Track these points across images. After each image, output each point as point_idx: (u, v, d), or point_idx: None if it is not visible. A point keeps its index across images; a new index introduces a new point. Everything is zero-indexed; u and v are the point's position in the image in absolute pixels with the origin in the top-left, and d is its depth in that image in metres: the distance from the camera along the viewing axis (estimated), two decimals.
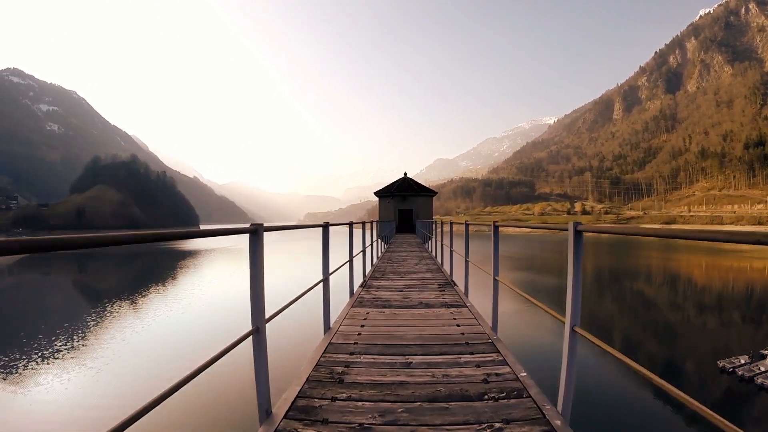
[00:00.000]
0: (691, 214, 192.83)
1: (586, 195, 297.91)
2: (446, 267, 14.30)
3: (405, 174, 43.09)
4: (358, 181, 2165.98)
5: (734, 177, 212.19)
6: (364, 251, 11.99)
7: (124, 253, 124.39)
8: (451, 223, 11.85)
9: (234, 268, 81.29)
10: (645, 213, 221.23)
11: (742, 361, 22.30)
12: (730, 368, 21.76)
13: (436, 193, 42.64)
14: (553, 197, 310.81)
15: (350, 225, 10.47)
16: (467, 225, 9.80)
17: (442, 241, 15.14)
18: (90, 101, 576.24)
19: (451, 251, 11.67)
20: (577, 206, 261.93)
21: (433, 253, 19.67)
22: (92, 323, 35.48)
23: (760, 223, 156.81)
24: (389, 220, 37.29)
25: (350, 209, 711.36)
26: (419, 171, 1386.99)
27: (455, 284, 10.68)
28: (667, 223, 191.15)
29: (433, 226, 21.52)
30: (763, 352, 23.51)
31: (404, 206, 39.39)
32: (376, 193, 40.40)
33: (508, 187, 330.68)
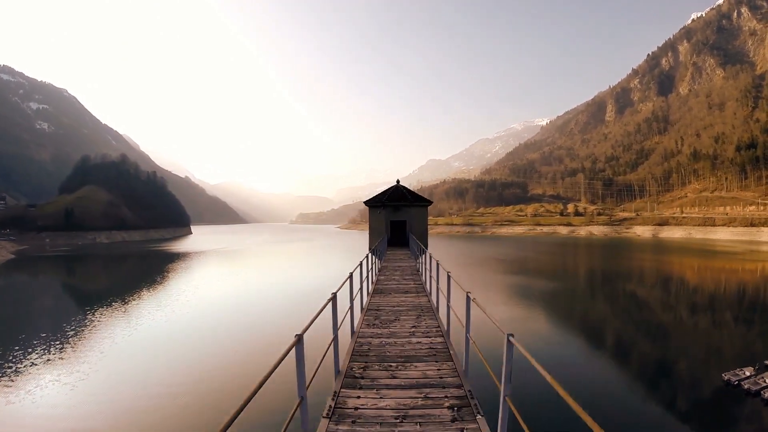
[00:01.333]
0: (684, 215, 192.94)
1: (578, 196, 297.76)
2: (456, 338, 10.42)
3: (398, 181, 39.91)
4: (350, 181, 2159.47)
5: (726, 179, 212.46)
6: (333, 341, 8.04)
7: (114, 254, 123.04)
8: (469, 298, 8.17)
9: (226, 270, 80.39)
10: (638, 214, 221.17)
11: (748, 374, 21.41)
12: (735, 381, 20.88)
13: (431, 202, 38.30)
14: (545, 198, 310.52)
15: (350, 276, 9.10)
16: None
17: (448, 301, 10.66)
18: (81, 100, 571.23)
19: (468, 338, 8.05)
20: (570, 207, 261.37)
21: (432, 295, 15.15)
22: (79, 328, 35.20)
23: (752, 225, 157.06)
24: (380, 234, 34.91)
25: (343, 210, 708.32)
26: (412, 171, 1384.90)
27: (478, 409, 6.51)
28: (659, 224, 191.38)
29: (429, 256, 17.33)
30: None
31: (396, 217, 35.53)
32: (366, 203, 36.79)
33: (501, 188, 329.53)
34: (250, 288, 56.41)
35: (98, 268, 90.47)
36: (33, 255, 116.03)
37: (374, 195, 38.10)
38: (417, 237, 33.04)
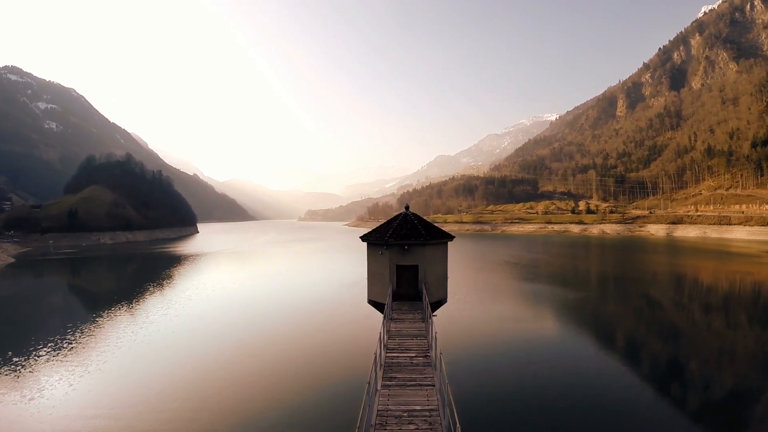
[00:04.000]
0: (698, 213, 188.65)
1: (590, 193, 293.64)
2: None
3: (407, 207, 27.87)
4: (359, 178, 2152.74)
5: (742, 176, 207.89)
6: None
7: (116, 256, 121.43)
8: None
9: (232, 269, 78.15)
10: (651, 212, 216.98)
11: None
12: None
13: (452, 237, 27.23)
14: (556, 195, 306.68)
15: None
16: None
17: None
18: (89, 99, 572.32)
19: None
20: (581, 205, 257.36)
21: None
22: (89, 327, 37.24)
23: None
24: (382, 280, 24.99)
25: (351, 207, 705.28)
26: (420, 168, 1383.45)
27: None
28: (674, 222, 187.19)
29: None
30: None
31: (405, 261, 24.77)
32: (363, 238, 26.50)
33: (511, 185, 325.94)
34: (251, 295, 54.13)
35: (97, 274, 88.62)
36: (35, 258, 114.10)
37: (374, 228, 27.19)
38: (434, 285, 24.79)
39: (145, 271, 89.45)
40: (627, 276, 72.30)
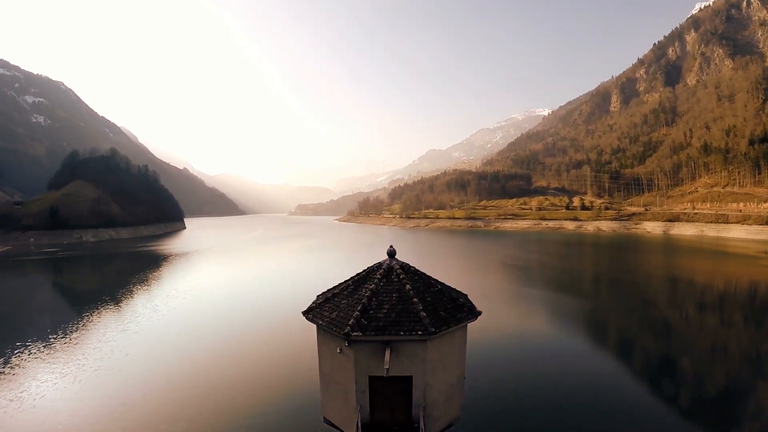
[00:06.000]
0: (695, 211, 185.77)
1: (584, 189, 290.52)
2: None
3: (391, 253, 14.52)
4: (350, 172, 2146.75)
5: (739, 173, 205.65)
6: None
7: (101, 255, 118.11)
8: None
9: (209, 273, 74.36)
10: (647, 209, 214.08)
11: None
12: None
13: (479, 313, 13.32)
14: (550, 191, 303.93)
15: None
16: None
17: None
18: (78, 92, 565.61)
19: None
20: (576, 201, 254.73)
21: None
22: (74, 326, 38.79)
23: (767, 223, 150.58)
24: (342, 394, 12.39)
25: (342, 201, 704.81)
26: (412, 162, 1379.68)
27: None
28: (670, 220, 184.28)
29: None
30: None
31: (387, 371, 11.40)
32: (308, 316, 13.17)
33: (504, 181, 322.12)
34: (224, 305, 50.36)
35: (75, 277, 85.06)
36: (14, 258, 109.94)
37: (326, 291, 14.29)
38: (442, 405, 12.44)
39: (122, 273, 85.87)
40: (630, 279, 69.26)
